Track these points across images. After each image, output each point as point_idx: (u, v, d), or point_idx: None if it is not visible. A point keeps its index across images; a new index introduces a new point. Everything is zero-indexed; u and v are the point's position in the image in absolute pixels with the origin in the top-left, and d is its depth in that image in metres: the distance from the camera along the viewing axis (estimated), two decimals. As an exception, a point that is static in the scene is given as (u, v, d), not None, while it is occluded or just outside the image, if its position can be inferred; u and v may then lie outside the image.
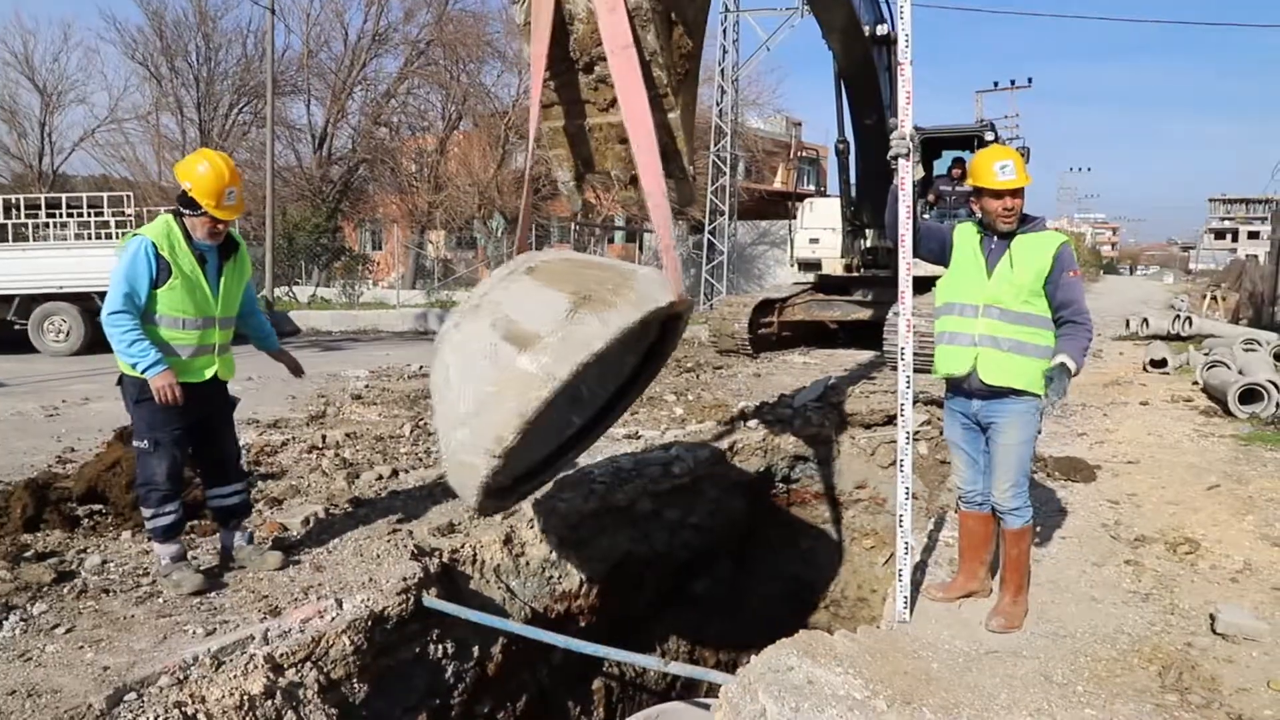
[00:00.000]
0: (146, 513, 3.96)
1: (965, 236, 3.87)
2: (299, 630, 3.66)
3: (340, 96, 30.42)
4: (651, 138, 3.66)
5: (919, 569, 4.40)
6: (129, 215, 16.01)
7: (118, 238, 16.48)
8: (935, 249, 3.96)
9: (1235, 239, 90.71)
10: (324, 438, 7.11)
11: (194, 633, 3.51)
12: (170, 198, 25.28)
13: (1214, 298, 26.34)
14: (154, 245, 3.78)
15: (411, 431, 7.46)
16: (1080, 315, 3.66)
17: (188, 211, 3.87)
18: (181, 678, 3.20)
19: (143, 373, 3.78)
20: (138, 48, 30.02)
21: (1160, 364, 12.10)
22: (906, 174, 3.68)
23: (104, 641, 3.44)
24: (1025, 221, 3.78)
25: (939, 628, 3.79)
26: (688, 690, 5.87)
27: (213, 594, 3.93)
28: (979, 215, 3.82)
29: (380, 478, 5.94)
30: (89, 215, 16.59)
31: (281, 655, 3.51)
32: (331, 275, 28.23)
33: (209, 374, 4.07)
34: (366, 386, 10.08)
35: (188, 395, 3.88)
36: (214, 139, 29.93)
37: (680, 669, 3.57)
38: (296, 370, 4.65)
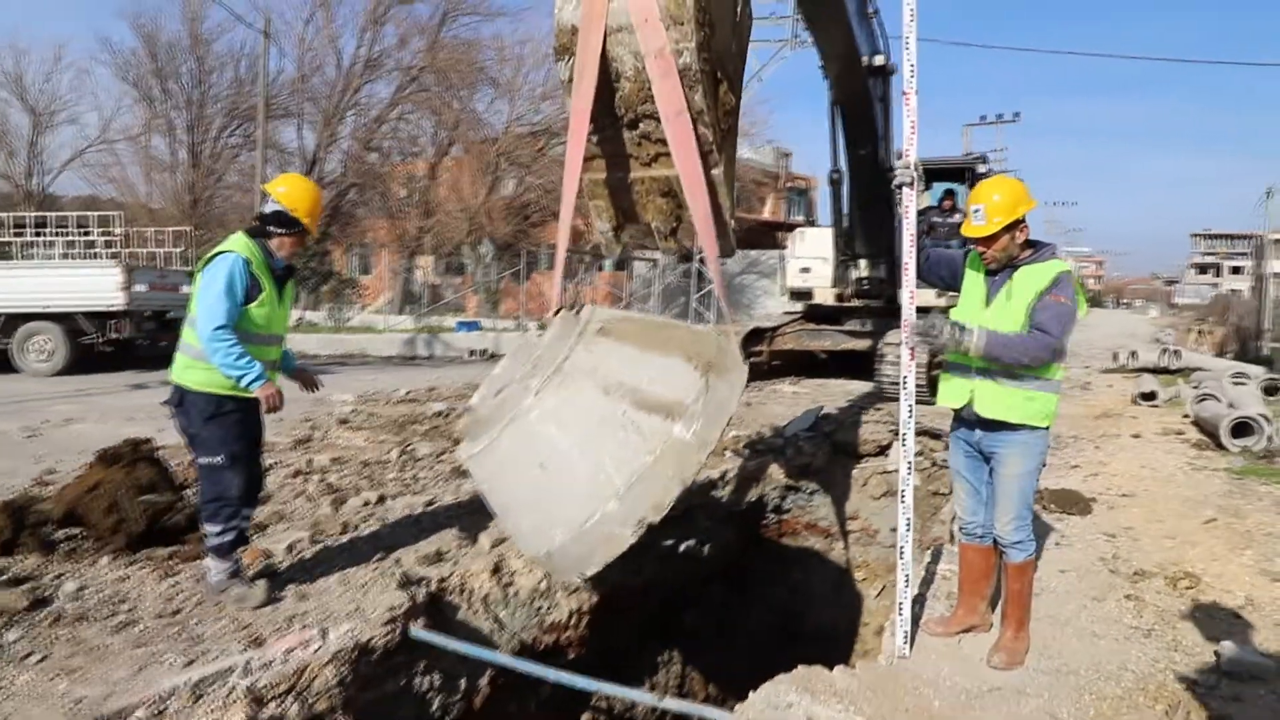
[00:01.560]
0: (214, 528, 3.99)
1: (974, 265, 3.82)
2: (282, 661, 3.54)
3: (332, 121, 30.47)
4: (708, 207, 3.67)
5: (917, 602, 4.32)
6: (117, 235, 15.90)
7: (104, 257, 16.37)
8: (946, 275, 3.93)
9: (1218, 274, 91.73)
10: (310, 462, 6.99)
11: (172, 663, 3.39)
12: (159, 219, 25.15)
13: (1200, 331, 26.55)
14: (247, 262, 3.92)
15: (399, 457, 7.35)
16: (1043, 329, 3.53)
17: (281, 230, 4.06)
18: (159, 710, 3.08)
19: (248, 385, 3.88)
20: (130, 69, 30.15)
21: (1150, 397, 12.12)
22: (911, 203, 3.65)
23: (79, 671, 3.31)
24: (1036, 248, 3.73)
25: (939, 663, 3.70)
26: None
27: (193, 622, 3.81)
28: None
29: (367, 504, 5.82)
30: (76, 235, 16.47)
31: (263, 687, 3.39)
32: (320, 299, 28.12)
33: None
34: (353, 411, 9.95)
35: (255, 410, 4.05)
36: (205, 161, 29.93)
37: (675, 704, 3.47)
38: (313, 385, 4.61)
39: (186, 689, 3.19)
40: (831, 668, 3.73)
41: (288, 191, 4.08)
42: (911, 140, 3.54)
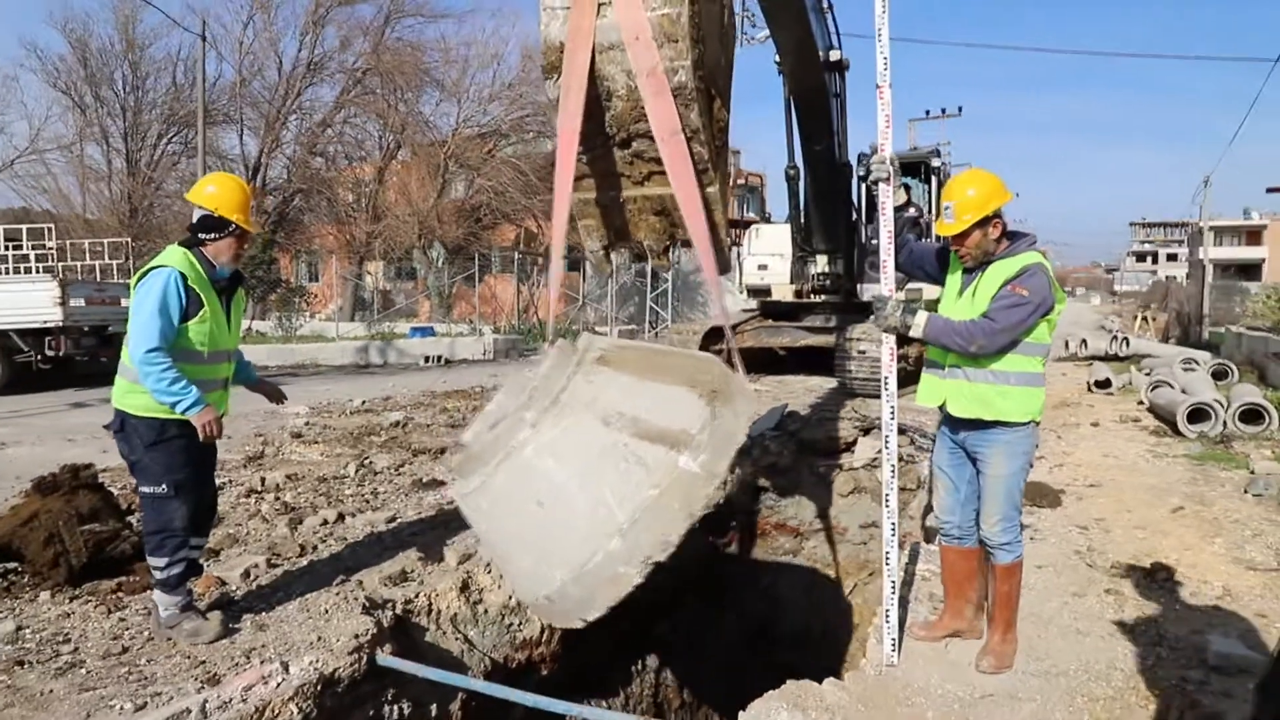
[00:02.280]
0: (160, 562, 3.71)
1: (955, 260, 3.74)
2: (241, 699, 3.31)
3: (274, 126, 29.83)
4: (705, 226, 3.55)
5: (900, 605, 4.22)
6: (50, 248, 15.31)
7: (38, 271, 15.73)
8: (930, 269, 3.87)
9: (1155, 261, 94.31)
10: (263, 480, 6.72)
11: (122, 708, 3.15)
12: (96, 230, 24.36)
13: (1144, 318, 27.15)
14: (183, 276, 3.62)
15: (357, 471, 7.10)
16: (992, 315, 3.44)
17: (213, 236, 3.75)
18: (107, 763, 2.85)
19: (184, 412, 3.60)
20: (60, 76, 29.12)
21: (1105, 384, 12.29)
22: (888, 198, 3.55)
23: (18, 723, 3.06)
24: (1014, 240, 3.65)
25: (928, 670, 3.61)
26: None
27: (143, 660, 3.57)
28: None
29: (325, 523, 5.58)
30: (8, 249, 15.82)
31: (222, 729, 3.18)
32: (268, 308, 27.45)
33: (220, 410, 3.88)
34: (307, 424, 9.65)
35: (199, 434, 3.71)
36: (142, 170, 29.07)
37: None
38: (277, 397, 4.41)
39: (137, 737, 2.97)
40: (809, 673, 3.62)
41: (212, 193, 3.76)
42: (886, 135, 3.43)
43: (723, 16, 4.08)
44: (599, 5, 3.51)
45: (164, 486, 3.68)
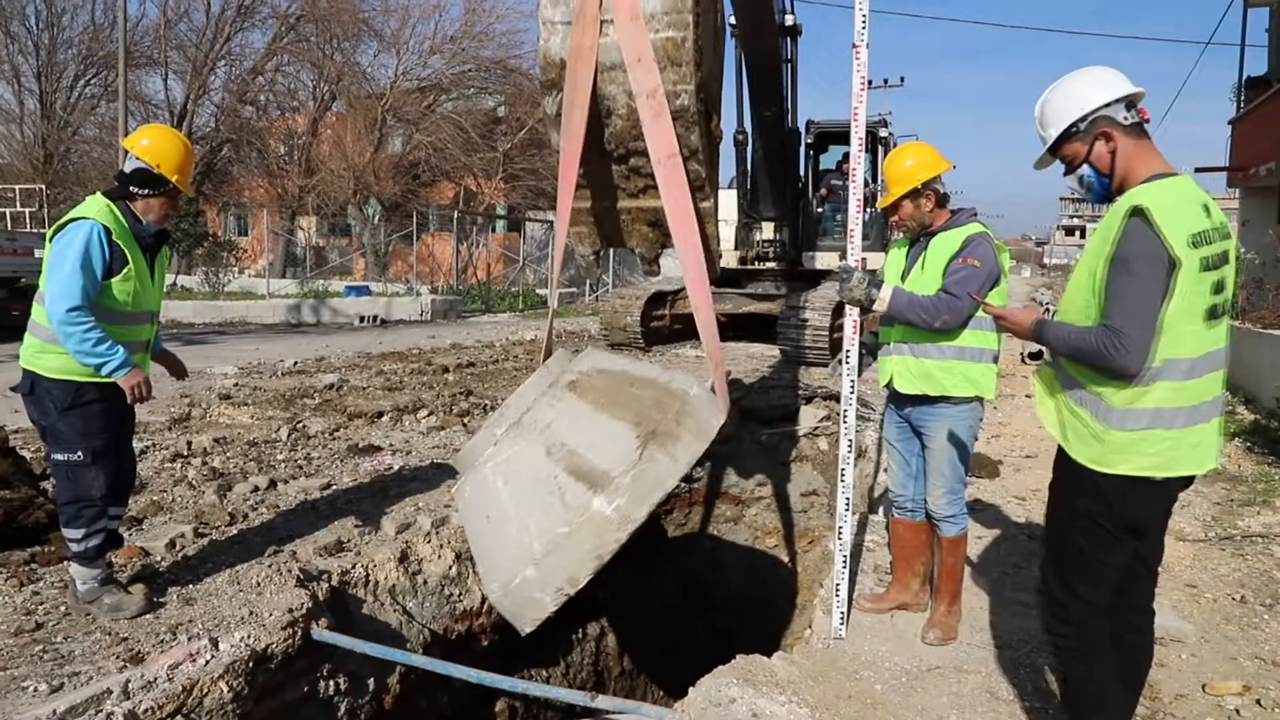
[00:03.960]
0: (76, 533, 3.50)
1: (899, 244, 3.78)
2: (166, 679, 3.14)
3: (202, 71, 28.47)
4: (697, 242, 3.51)
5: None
6: (-43, 194, 14.42)
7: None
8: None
9: (1084, 235, 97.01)
10: (189, 444, 6.43)
11: (36, 690, 2.95)
12: (8, 176, 23.10)
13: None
14: (106, 230, 3.38)
15: (289, 436, 6.85)
16: (950, 290, 3.45)
17: (145, 192, 3.52)
18: (20, 749, 2.67)
19: (109, 374, 3.39)
20: (-35, 9, 27.25)
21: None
22: (859, 165, 3.53)
23: (-81, 706, 2.85)
24: (955, 214, 3.66)
25: (876, 643, 3.62)
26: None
27: (59, 638, 3.36)
28: None
29: (256, 490, 5.36)
30: (-92, 193, 14.88)
31: (146, 711, 3.00)
32: (193, 262, 26.47)
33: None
34: (236, 385, 9.29)
35: (121, 397, 3.50)
36: (57, 113, 27.59)
37: (608, 703, 3.26)
38: (180, 372, 4.13)
39: (54, 720, 2.78)
40: (749, 638, 3.61)
41: (151, 145, 3.51)
42: (860, 98, 3.34)
43: (717, 27, 4.08)
44: (601, 23, 3.47)
45: (80, 454, 3.46)
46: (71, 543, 3.53)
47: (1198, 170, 16.50)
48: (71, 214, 3.42)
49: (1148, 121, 2.50)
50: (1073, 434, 2.49)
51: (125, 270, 3.45)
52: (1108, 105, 2.46)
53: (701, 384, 3.61)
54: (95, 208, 3.43)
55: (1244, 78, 16.94)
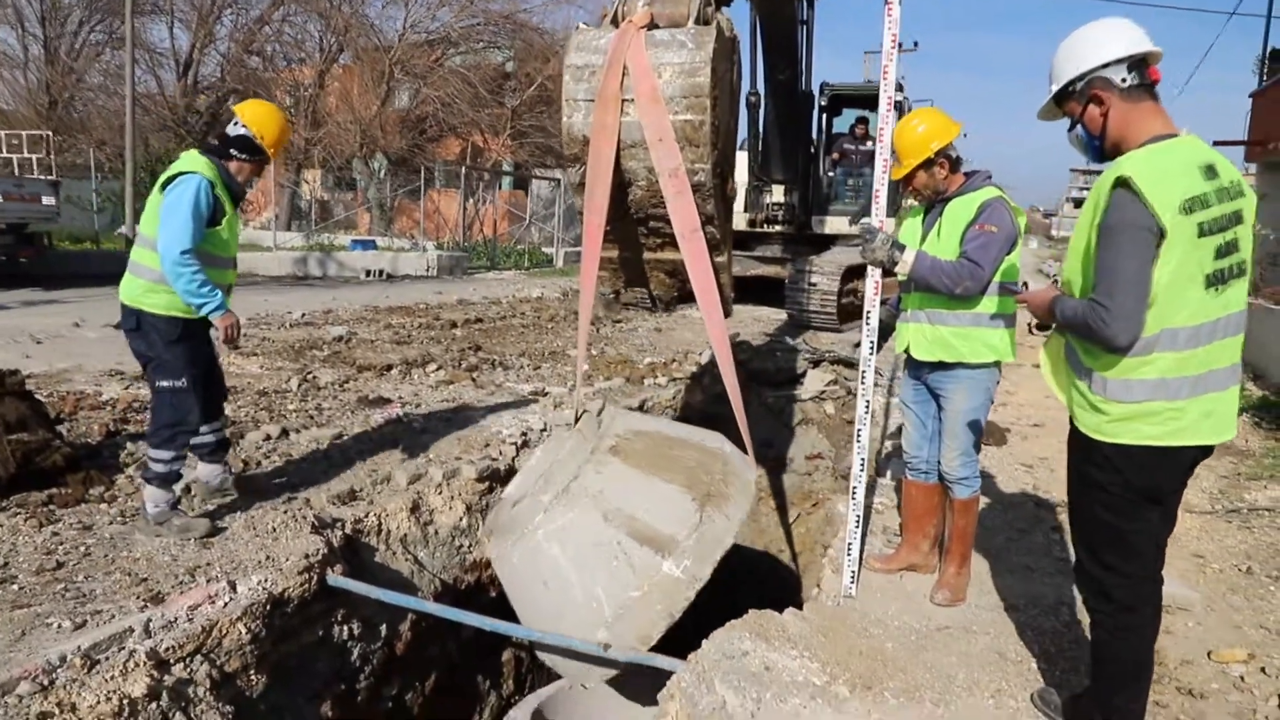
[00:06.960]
0: (165, 454, 3.84)
1: (913, 212, 3.75)
2: (186, 619, 3.20)
3: (208, 20, 28.07)
4: (715, 294, 3.79)
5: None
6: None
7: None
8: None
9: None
10: (201, 392, 6.45)
11: (59, 626, 3.00)
12: (13, 122, 22.88)
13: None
14: (210, 184, 3.77)
15: (299, 386, 6.88)
16: (971, 258, 3.41)
17: (244, 156, 3.93)
18: (46, 683, 2.71)
19: (209, 313, 3.80)
20: (-32, -50, 26.82)
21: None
22: (888, 125, 3.48)
23: (-56, 639, 2.89)
24: (969, 178, 3.63)
25: (885, 602, 3.65)
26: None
27: (80, 577, 3.41)
28: None
29: (269, 438, 5.40)
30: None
31: (167, 649, 3.06)
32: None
33: None
34: (245, 336, 9.29)
35: (208, 332, 4.02)
36: (62, 58, 27.26)
37: (620, 655, 3.30)
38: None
39: (78, 656, 2.82)
40: (762, 602, 3.65)
41: (256, 116, 3.93)
42: (891, 56, 3.30)
43: (733, 77, 4.20)
44: (622, 103, 3.63)
45: (184, 380, 3.84)
46: (158, 464, 3.80)
47: (1216, 144, 16.33)
48: (178, 167, 3.77)
49: (1157, 82, 2.44)
50: (1077, 405, 2.51)
51: (224, 220, 3.85)
52: (1105, 66, 2.42)
53: (724, 439, 3.89)
54: (201, 164, 3.79)
55: (1268, 50, 16.70)
